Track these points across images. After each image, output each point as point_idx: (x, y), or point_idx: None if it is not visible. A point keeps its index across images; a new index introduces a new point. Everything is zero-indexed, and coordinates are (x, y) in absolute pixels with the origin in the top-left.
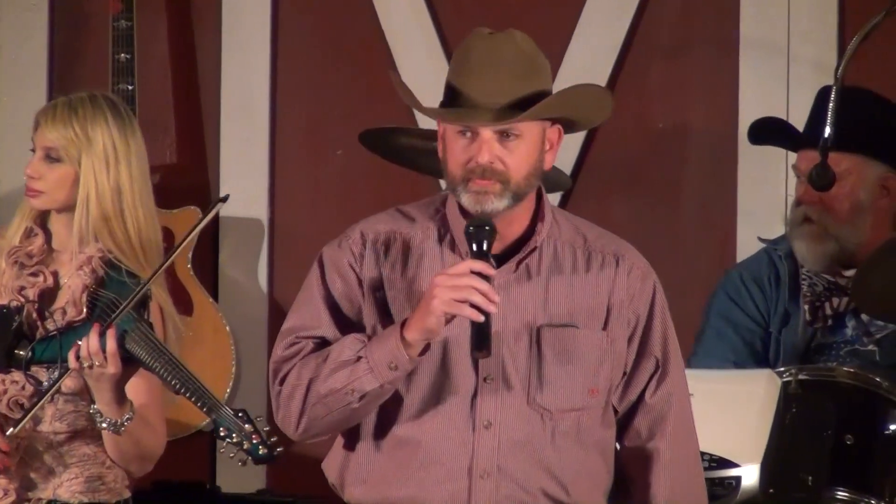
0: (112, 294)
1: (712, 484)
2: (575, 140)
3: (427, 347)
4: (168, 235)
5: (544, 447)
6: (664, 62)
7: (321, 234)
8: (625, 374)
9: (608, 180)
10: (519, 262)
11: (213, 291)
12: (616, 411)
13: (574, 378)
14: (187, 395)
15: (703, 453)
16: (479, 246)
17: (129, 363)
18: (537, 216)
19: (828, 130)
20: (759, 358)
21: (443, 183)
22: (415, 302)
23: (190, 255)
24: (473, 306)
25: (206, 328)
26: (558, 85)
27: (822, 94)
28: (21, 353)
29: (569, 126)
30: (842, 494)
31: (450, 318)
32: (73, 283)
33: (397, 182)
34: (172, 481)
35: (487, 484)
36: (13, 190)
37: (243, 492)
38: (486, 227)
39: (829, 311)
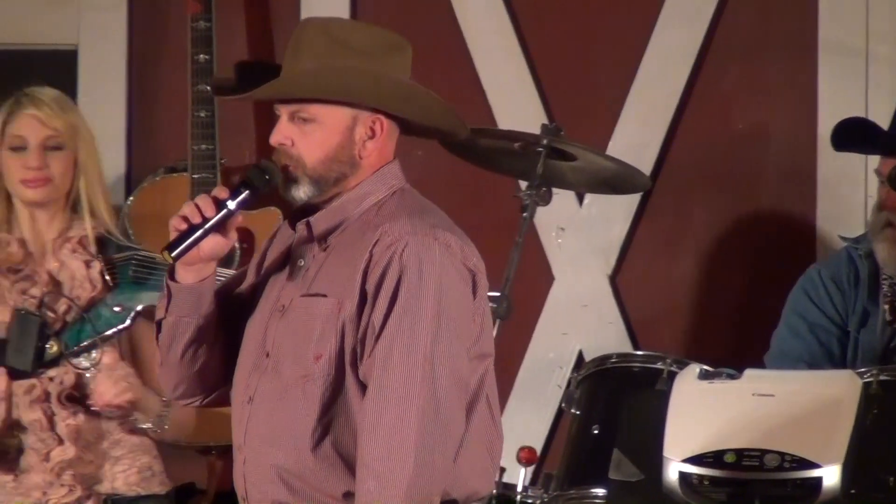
0: (126, 254)
1: (793, 485)
2: (654, 141)
3: (206, 280)
4: (248, 236)
5: (277, 419)
6: (742, 64)
7: None
8: (357, 342)
9: (688, 182)
10: (310, 240)
11: None
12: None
13: (305, 345)
14: None
15: (783, 454)
16: (243, 178)
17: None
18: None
19: None
20: (834, 359)
21: (523, 183)
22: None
23: None
24: (184, 218)
25: None
26: (636, 89)
27: None
28: (54, 348)
29: (414, 124)
30: None
31: (178, 231)
32: (73, 265)
33: (477, 183)
34: None
35: (240, 456)
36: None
37: None
38: (264, 174)
39: None
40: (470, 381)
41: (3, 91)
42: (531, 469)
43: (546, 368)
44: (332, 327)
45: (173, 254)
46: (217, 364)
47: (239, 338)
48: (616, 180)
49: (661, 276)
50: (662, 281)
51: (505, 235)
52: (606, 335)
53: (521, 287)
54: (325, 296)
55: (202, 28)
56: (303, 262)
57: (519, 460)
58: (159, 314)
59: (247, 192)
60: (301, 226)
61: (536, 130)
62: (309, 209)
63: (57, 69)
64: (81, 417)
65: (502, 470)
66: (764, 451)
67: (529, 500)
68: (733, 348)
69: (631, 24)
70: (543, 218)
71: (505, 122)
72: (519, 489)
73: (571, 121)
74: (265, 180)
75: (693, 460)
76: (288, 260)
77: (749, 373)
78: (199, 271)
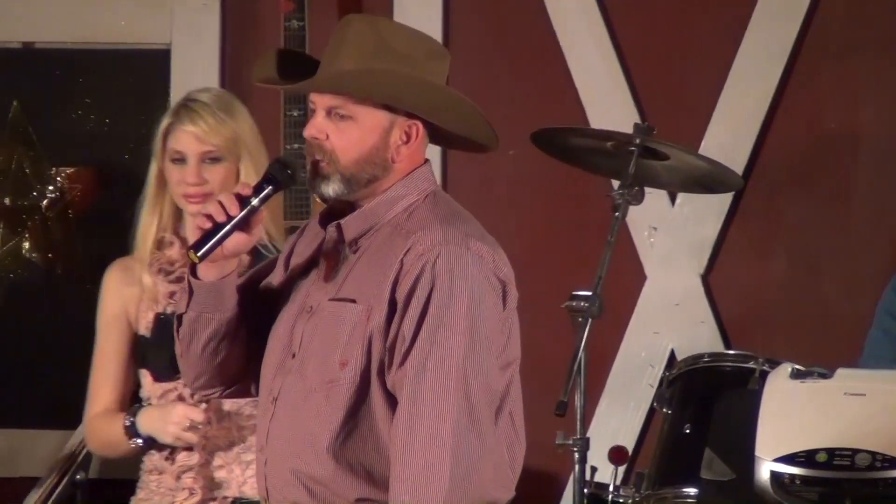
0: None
1: (885, 484)
2: (747, 140)
3: (229, 276)
4: None
5: (298, 423)
6: (835, 63)
7: (493, 234)
8: (385, 351)
9: (780, 181)
10: (340, 243)
11: None
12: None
13: (331, 350)
14: None
15: (875, 453)
16: (267, 174)
17: None
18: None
19: None
20: None
21: (615, 182)
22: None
23: None
24: (209, 217)
25: None
26: (728, 88)
27: None
28: None
29: (444, 133)
30: None
31: (203, 230)
32: None
33: (569, 182)
34: None
35: (261, 457)
36: None
37: None
38: (286, 168)
39: None
40: (499, 391)
41: (97, 89)
42: (623, 468)
43: (638, 367)
44: (359, 334)
45: (199, 253)
46: (238, 357)
47: (263, 331)
48: (708, 179)
49: (753, 275)
50: (754, 280)
51: (597, 235)
52: (698, 334)
53: (613, 286)
54: (353, 301)
55: (295, 28)
56: (332, 264)
57: (610, 459)
58: (180, 308)
59: (270, 187)
60: (332, 228)
61: (629, 129)
62: (338, 209)
63: (150, 69)
64: (212, 424)
65: (594, 469)
66: (855, 451)
67: (621, 500)
68: (825, 347)
69: (723, 24)
70: (635, 217)
71: (597, 121)
72: (610, 488)
73: (664, 120)
74: (288, 175)
75: (785, 459)
76: (316, 260)
77: (841, 372)
78: (221, 268)
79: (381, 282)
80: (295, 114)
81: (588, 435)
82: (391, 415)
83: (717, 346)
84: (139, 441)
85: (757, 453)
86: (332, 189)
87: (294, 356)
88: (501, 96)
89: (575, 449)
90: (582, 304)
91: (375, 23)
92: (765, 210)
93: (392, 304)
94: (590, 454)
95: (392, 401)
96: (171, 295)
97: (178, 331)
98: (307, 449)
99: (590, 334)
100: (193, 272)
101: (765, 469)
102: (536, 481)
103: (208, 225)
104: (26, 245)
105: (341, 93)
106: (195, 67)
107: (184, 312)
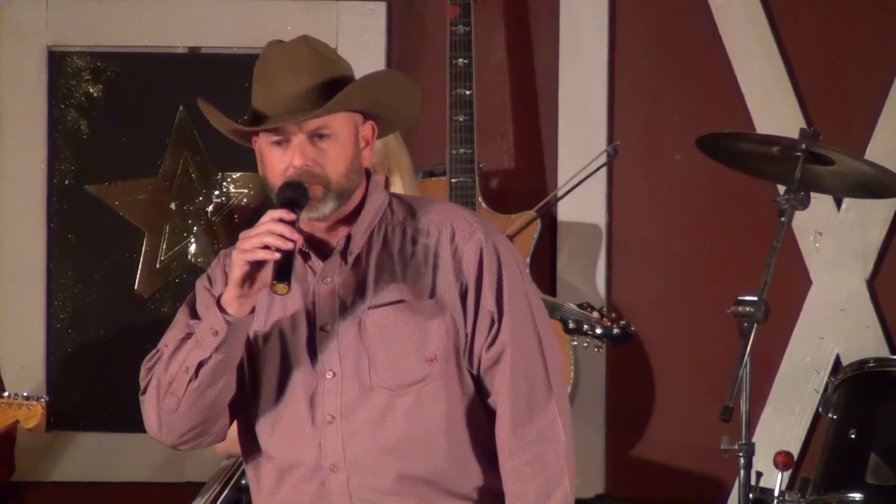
0: None
1: None
2: None
3: (253, 311)
4: None
5: (392, 429)
6: None
7: (659, 239)
8: (467, 335)
9: None
10: (343, 254)
11: (552, 295)
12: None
13: (407, 352)
14: None
15: None
16: (287, 199)
17: None
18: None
19: None
20: None
21: (780, 187)
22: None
23: (528, 260)
24: (270, 248)
25: None
26: (895, 93)
27: None
28: None
29: (382, 124)
30: None
31: (255, 266)
32: None
33: (735, 188)
34: None
35: (339, 477)
36: None
37: (581, 496)
38: (297, 186)
39: None
40: None
41: None
42: (788, 473)
43: (803, 373)
44: (439, 326)
45: (285, 282)
46: (227, 400)
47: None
48: (874, 185)
49: None
50: None
51: (762, 239)
52: (864, 339)
53: (778, 291)
54: (402, 301)
55: (461, 32)
56: (329, 280)
57: (776, 464)
58: (202, 354)
59: (298, 209)
60: (342, 242)
61: (795, 135)
62: (306, 237)
63: None
64: None
65: (759, 474)
66: None
67: None
68: None
69: (890, 26)
70: (801, 222)
71: (763, 126)
72: (776, 493)
73: (829, 125)
74: (304, 193)
75: None
76: (302, 288)
77: None
78: (251, 302)
79: (435, 272)
80: (461, 119)
81: (753, 440)
82: (481, 395)
83: (883, 350)
84: None
85: None
86: (328, 208)
87: (334, 374)
88: (667, 101)
89: (740, 454)
90: (747, 309)
91: (305, 39)
92: None
93: (462, 288)
94: (755, 459)
95: (477, 380)
96: None
97: (186, 383)
98: (419, 450)
99: (755, 339)
100: (222, 310)
101: None
102: (702, 485)
103: (277, 256)
104: (192, 249)
105: (349, 109)
106: (361, 72)
107: (207, 358)
